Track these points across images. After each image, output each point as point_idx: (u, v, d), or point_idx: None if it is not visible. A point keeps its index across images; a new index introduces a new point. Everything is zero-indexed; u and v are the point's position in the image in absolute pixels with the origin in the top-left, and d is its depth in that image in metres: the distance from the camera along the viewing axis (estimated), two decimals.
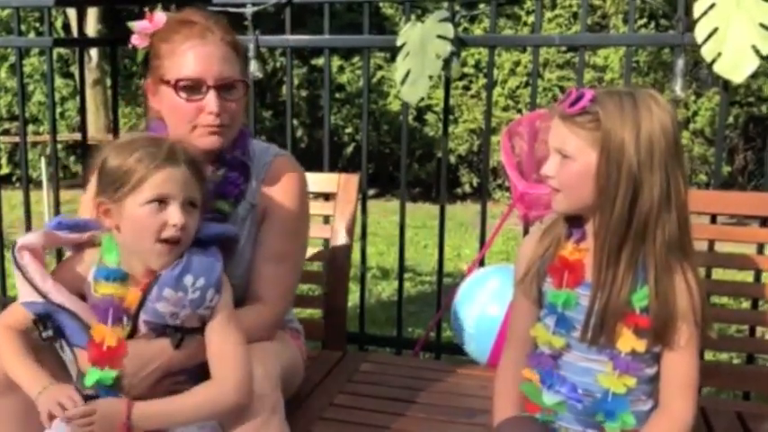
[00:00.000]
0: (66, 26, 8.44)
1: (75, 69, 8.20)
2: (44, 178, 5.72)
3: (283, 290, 1.58)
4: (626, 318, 1.25)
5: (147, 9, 1.63)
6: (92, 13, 7.67)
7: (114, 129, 2.98)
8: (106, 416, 1.23)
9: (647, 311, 1.24)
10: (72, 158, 9.31)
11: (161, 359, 1.32)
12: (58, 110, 9.08)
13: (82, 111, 2.87)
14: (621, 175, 1.20)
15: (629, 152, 1.19)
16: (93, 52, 7.81)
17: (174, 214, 1.27)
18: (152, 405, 1.28)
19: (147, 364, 1.31)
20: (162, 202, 1.27)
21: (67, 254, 1.44)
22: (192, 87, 1.46)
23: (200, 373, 1.35)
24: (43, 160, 6.01)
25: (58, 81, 9.10)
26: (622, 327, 1.26)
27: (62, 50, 8.94)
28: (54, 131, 2.88)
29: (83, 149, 3.01)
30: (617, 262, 1.24)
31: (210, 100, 1.46)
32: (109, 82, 3.25)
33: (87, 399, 1.24)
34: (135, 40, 1.57)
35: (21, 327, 1.34)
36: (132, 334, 1.32)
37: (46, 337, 1.28)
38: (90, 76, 7.83)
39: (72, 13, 7.30)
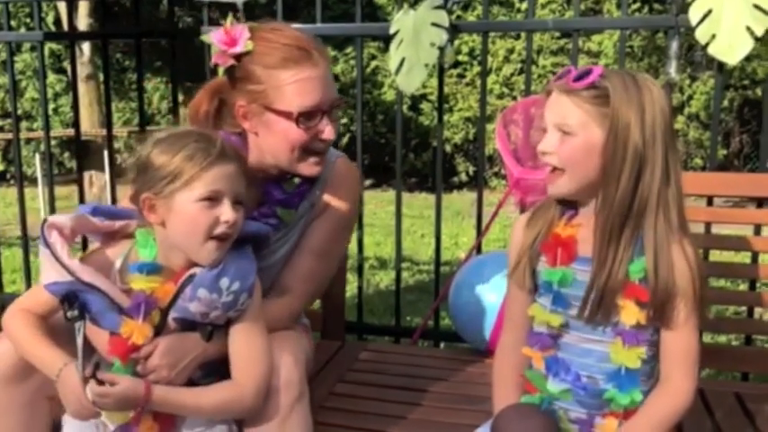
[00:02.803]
0: (58, 21, 8.38)
1: (67, 65, 8.17)
2: (39, 175, 5.71)
3: (313, 285, 1.59)
4: (625, 290, 1.25)
5: (222, 21, 1.49)
6: (82, 7, 7.60)
7: (107, 124, 2.96)
8: (125, 394, 1.23)
9: (645, 282, 1.24)
10: (67, 154, 9.29)
11: (195, 352, 1.33)
12: (52, 106, 9.05)
13: (74, 106, 2.85)
14: (628, 153, 1.20)
15: (635, 130, 1.20)
16: (86, 47, 7.75)
17: (226, 211, 1.27)
18: (171, 393, 1.28)
19: (182, 357, 1.31)
20: (214, 199, 1.27)
21: (92, 246, 1.42)
22: (311, 117, 1.45)
23: (215, 369, 1.36)
24: (38, 157, 6.00)
25: (51, 77, 9.06)
26: (623, 299, 1.26)
27: (54, 46, 8.90)
28: (47, 127, 2.87)
29: (77, 145, 3.00)
30: (618, 240, 1.24)
31: (326, 126, 1.47)
32: (102, 77, 3.24)
33: (90, 377, 1.23)
34: (217, 59, 1.46)
35: (39, 311, 1.33)
36: (161, 328, 1.32)
37: (71, 317, 1.26)
38: (82, 71, 7.76)
39: (63, 7, 7.25)
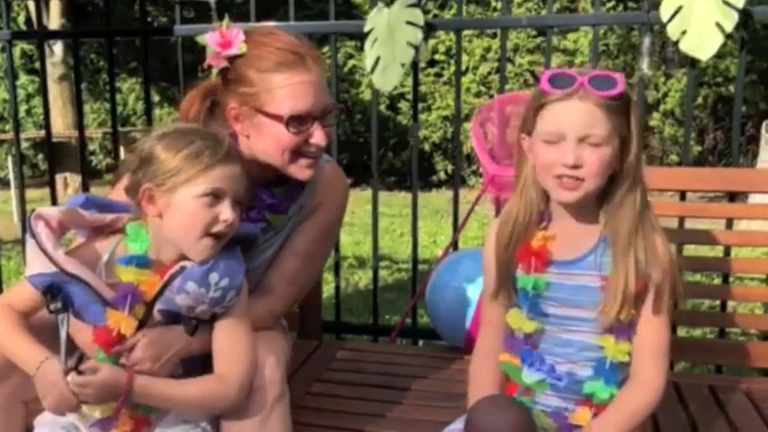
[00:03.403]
0: (30, 22, 8.27)
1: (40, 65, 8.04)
2: (11, 177, 5.63)
3: (296, 287, 1.60)
4: None
5: (217, 22, 1.48)
6: (55, 7, 7.51)
7: (79, 124, 2.92)
8: (106, 384, 1.22)
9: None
10: (41, 156, 9.16)
11: (178, 346, 1.32)
12: (24, 107, 8.94)
13: (45, 107, 2.81)
14: (640, 158, 1.24)
15: (639, 130, 1.25)
16: (58, 47, 7.64)
17: (226, 210, 1.28)
18: (153, 383, 1.28)
19: (166, 350, 1.31)
20: (216, 196, 1.27)
21: (77, 241, 1.40)
22: (302, 122, 1.44)
23: (196, 365, 1.35)
24: (10, 159, 5.91)
25: (24, 78, 8.95)
26: None
27: (26, 46, 8.77)
28: (17, 129, 2.82)
29: (48, 146, 2.96)
30: (630, 250, 1.25)
31: (317, 132, 1.46)
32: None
33: (72, 368, 1.22)
34: (211, 60, 1.46)
35: (21, 308, 1.31)
36: (146, 320, 1.31)
37: (54, 308, 1.25)
38: (55, 71, 7.66)
39: (33, 6, 7.14)
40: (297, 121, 1.44)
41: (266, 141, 1.46)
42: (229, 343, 1.34)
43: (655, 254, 1.26)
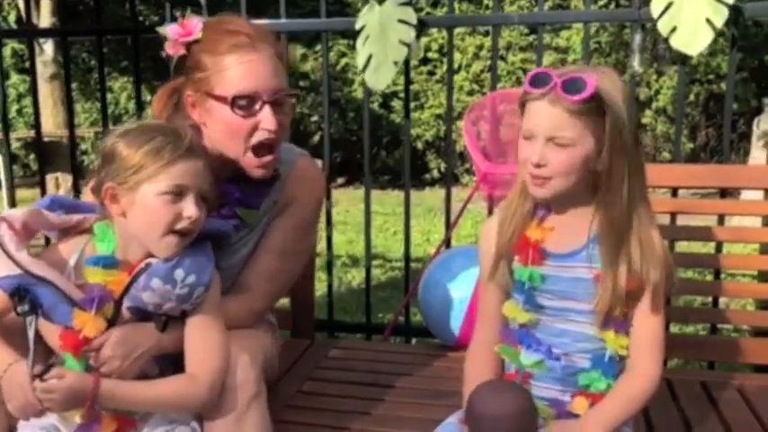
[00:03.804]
0: (21, 21, 8.22)
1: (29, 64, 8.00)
2: (2, 177, 5.59)
3: (275, 285, 1.58)
4: None
5: (178, 14, 1.52)
6: (45, 6, 7.47)
7: (70, 124, 2.90)
8: (72, 389, 1.20)
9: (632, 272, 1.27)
10: (32, 156, 9.11)
11: (149, 343, 1.31)
12: (15, 107, 8.88)
13: (35, 105, 2.79)
14: (623, 159, 1.23)
15: (627, 133, 1.22)
16: (49, 46, 7.60)
17: (189, 207, 1.26)
18: (120, 386, 1.26)
19: (135, 348, 1.29)
20: (178, 193, 1.26)
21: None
22: (248, 104, 1.42)
23: (170, 364, 1.34)
24: (0, 159, 5.87)
25: (15, 77, 8.89)
26: None
27: (17, 45, 8.72)
28: (6, 129, 2.80)
29: (38, 146, 2.94)
30: (621, 249, 1.26)
31: (266, 116, 1.43)
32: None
33: (38, 375, 1.20)
34: (169, 48, 1.47)
35: None
36: (115, 319, 1.29)
37: (21, 311, 1.23)
38: (46, 71, 7.62)
39: (23, 5, 7.10)
40: (243, 103, 1.41)
41: (217, 126, 1.44)
42: (200, 341, 1.32)
43: (651, 251, 1.27)
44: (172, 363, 1.34)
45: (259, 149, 1.46)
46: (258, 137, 1.44)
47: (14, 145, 8.17)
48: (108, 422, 1.27)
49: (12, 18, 8.51)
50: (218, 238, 1.39)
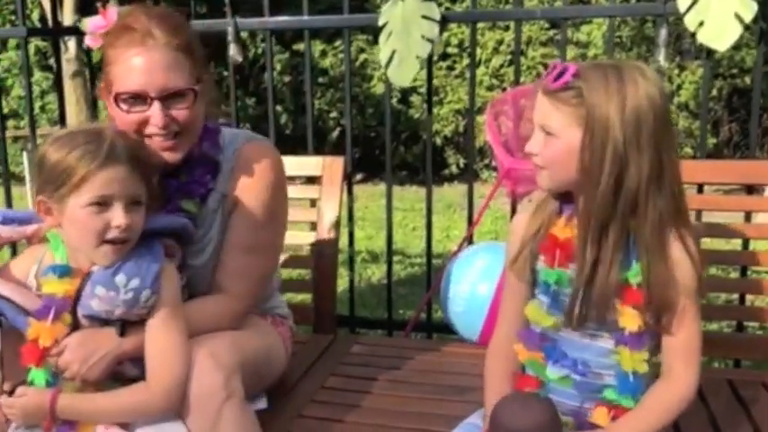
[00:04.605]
0: (44, 18, 8.31)
1: (54, 62, 8.10)
2: (27, 173, 5.66)
3: (249, 282, 1.53)
4: (624, 295, 1.23)
5: (99, 3, 1.49)
6: (68, 3, 7.54)
7: (93, 121, 2.93)
8: (30, 406, 1.24)
9: (642, 286, 1.22)
10: None
11: (109, 347, 1.30)
12: (39, 103, 8.98)
13: (60, 102, 2.82)
14: (606, 153, 1.16)
15: (615, 129, 1.15)
16: (71, 43, 7.68)
17: (117, 216, 1.24)
18: (77, 399, 1.27)
19: (94, 351, 1.28)
20: (103, 204, 1.24)
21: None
22: (136, 100, 1.39)
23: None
24: (25, 155, 5.94)
25: (38, 74, 8.98)
26: (621, 305, 1.24)
27: (40, 43, 8.81)
28: (33, 125, 2.83)
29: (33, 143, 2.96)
30: (603, 240, 1.21)
31: (155, 112, 1.39)
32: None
33: (12, 390, 1.24)
34: (88, 40, 1.47)
35: None
36: (75, 327, 1.30)
37: None
38: (69, 68, 7.70)
39: (48, 3, 7.18)
40: (127, 100, 1.39)
41: (116, 121, 1.42)
42: (157, 346, 1.30)
43: (682, 256, 1.22)
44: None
45: (158, 141, 1.42)
46: (149, 131, 1.41)
47: (38, 141, 8.26)
48: (84, 426, 1.28)
49: (35, 16, 8.60)
50: (178, 235, 1.37)
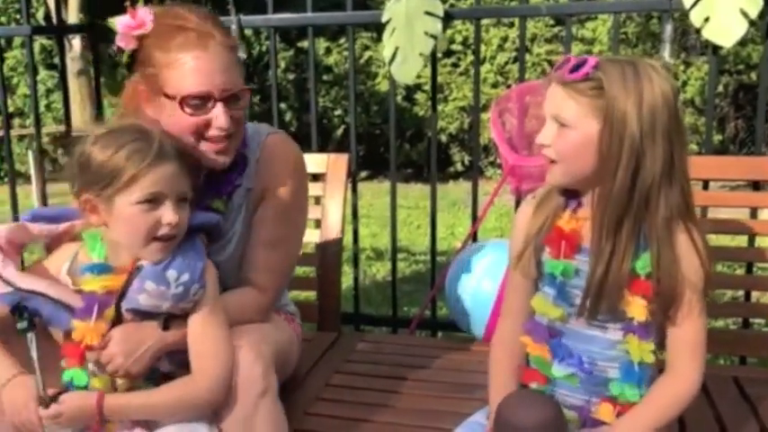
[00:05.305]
0: (49, 17, 8.33)
1: (59, 60, 8.12)
2: (32, 172, 5.68)
3: (276, 275, 1.55)
4: (632, 285, 1.23)
5: (127, 3, 1.47)
6: (72, 2, 7.57)
7: (98, 119, 2.93)
8: (78, 409, 1.23)
9: (650, 277, 1.23)
10: (60, 151, 9.23)
11: (152, 340, 1.31)
12: (44, 102, 9.00)
13: (65, 101, 2.83)
14: (624, 147, 1.17)
15: (632, 123, 1.16)
16: (76, 42, 7.71)
17: (167, 213, 1.25)
18: (123, 398, 1.28)
19: (138, 345, 1.30)
20: (154, 201, 1.25)
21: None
22: (200, 102, 1.39)
23: (185, 361, 1.34)
24: (31, 153, 5.96)
25: (43, 73, 9.00)
26: (630, 295, 1.24)
27: (45, 42, 8.83)
28: (38, 123, 2.84)
29: (67, 141, 2.97)
30: (617, 233, 1.21)
31: (219, 114, 1.40)
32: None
33: (52, 398, 1.23)
34: (120, 41, 1.43)
35: None
36: (117, 322, 1.30)
37: (21, 328, 1.24)
38: (74, 66, 7.73)
39: (52, 1, 7.20)
40: (194, 103, 1.39)
41: (169, 123, 1.40)
42: (202, 339, 1.31)
43: (689, 250, 1.22)
44: (186, 357, 1.33)
45: (214, 143, 1.43)
46: (210, 133, 1.42)
47: (43, 140, 8.28)
48: (109, 424, 1.28)
49: (40, 15, 8.63)
50: (208, 231, 1.38)
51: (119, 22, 1.43)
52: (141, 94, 1.44)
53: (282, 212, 1.55)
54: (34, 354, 1.24)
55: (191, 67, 1.38)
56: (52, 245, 1.38)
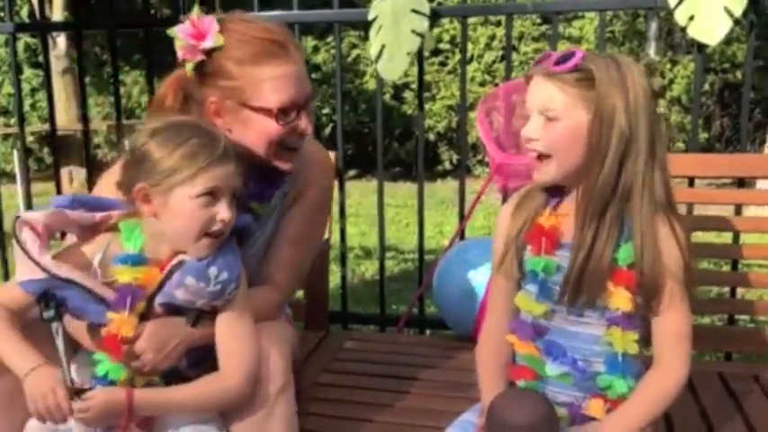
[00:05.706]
0: (33, 15, 8.26)
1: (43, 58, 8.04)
2: (17, 171, 5.63)
3: (296, 273, 1.58)
4: (614, 276, 1.24)
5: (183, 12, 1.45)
6: (57, 0, 7.50)
7: (84, 118, 2.91)
8: (106, 404, 1.21)
9: (633, 267, 1.23)
10: (46, 150, 9.16)
11: (181, 336, 1.31)
12: (29, 101, 8.94)
13: (49, 99, 2.80)
14: (613, 136, 1.19)
15: (620, 112, 1.18)
16: (61, 40, 7.64)
17: (223, 209, 1.26)
18: (152, 393, 1.27)
19: (168, 341, 1.30)
20: (213, 196, 1.26)
21: (69, 240, 1.38)
22: (291, 114, 1.42)
23: (202, 358, 1.34)
24: (15, 153, 5.91)
25: (28, 72, 8.94)
26: (612, 285, 1.25)
27: (30, 40, 8.76)
28: (22, 122, 2.81)
29: (52, 140, 2.95)
30: (601, 221, 1.22)
31: (305, 120, 1.44)
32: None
33: (77, 391, 1.21)
34: (185, 53, 1.39)
35: (13, 306, 1.29)
36: (147, 315, 1.30)
37: (47, 317, 1.23)
38: (59, 64, 7.66)
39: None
40: (284, 113, 1.41)
41: (254, 134, 1.42)
42: (231, 338, 1.32)
43: (670, 241, 1.23)
44: (202, 356, 1.34)
45: (291, 148, 1.47)
46: (293, 139, 1.45)
47: (28, 139, 8.22)
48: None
49: (24, 13, 8.55)
50: (240, 233, 1.39)
51: (180, 32, 1.38)
52: (210, 106, 1.43)
53: (310, 213, 1.59)
54: (60, 344, 1.23)
55: (280, 78, 1.39)
56: (85, 234, 1.36)
